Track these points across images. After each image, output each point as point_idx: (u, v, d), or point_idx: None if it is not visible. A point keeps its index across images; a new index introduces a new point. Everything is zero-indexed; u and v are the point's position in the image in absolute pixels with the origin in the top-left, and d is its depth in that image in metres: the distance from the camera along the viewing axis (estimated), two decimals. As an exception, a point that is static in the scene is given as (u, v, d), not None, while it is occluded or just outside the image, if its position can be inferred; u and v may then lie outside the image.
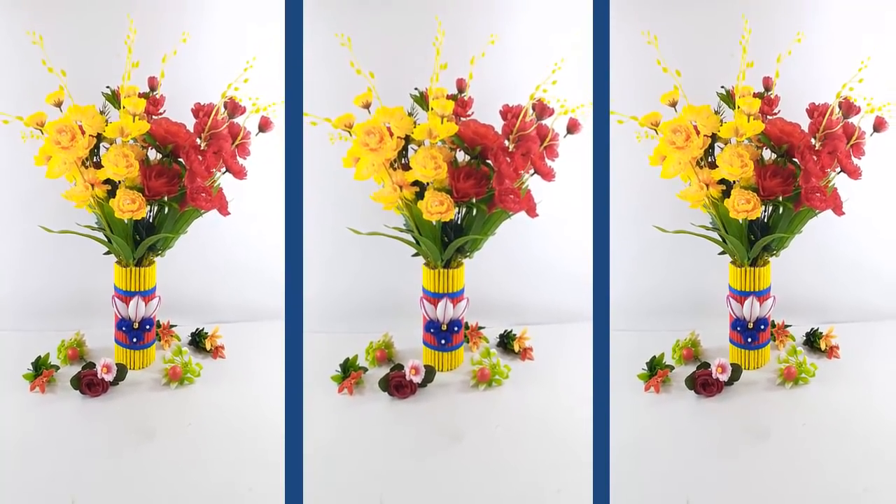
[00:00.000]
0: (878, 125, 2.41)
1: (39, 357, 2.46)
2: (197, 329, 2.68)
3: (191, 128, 2.44)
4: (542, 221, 2.48)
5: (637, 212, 2.63)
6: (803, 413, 2.32)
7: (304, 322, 2.35)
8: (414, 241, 2.50)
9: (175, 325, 2.70)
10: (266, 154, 2.50)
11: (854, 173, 2.40)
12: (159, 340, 2.64)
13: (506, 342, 2.67)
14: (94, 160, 2.44)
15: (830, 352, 2.62)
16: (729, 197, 2.40)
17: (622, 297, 2.58)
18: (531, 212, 2.44)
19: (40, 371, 2.44)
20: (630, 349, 2.49)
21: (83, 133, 2.39)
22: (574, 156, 2.47)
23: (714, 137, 2.43)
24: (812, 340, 2.66)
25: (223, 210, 2.48)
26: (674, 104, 2.44)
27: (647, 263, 2.73)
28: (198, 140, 2.42)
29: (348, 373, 2.45)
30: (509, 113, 2.42)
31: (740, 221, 2.45)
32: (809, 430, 2.25)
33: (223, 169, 2.45)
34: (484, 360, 2.48)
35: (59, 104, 2.43)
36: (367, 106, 2.42)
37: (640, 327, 2.67)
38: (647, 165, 2.45)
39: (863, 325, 2.79)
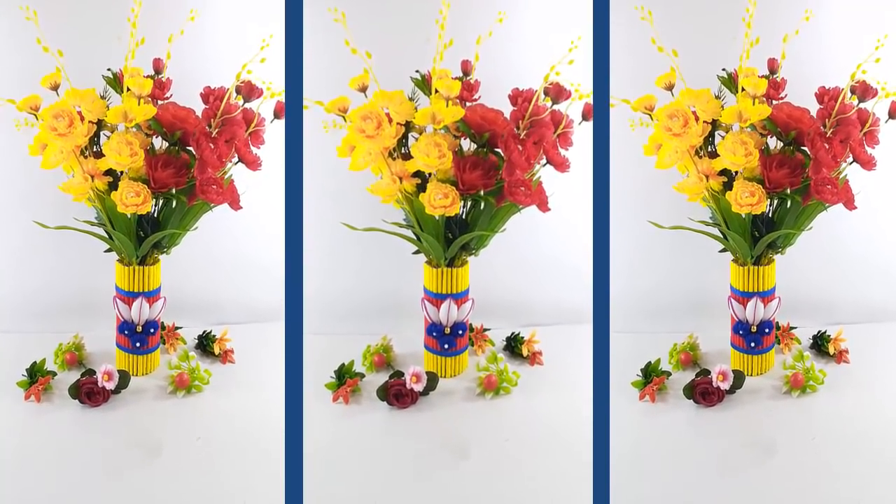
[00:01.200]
0: (894, 111, 2.38)
1: (35, 363, 2.41)
2: (204, 332, 2.64)
3: (200, 114, 2.40)
4: (553, 216, 2.45)
5: (632, 206, 2.60)
6: (812, 424, 2.28)
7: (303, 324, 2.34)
8: (415, 238, 2.46)
9: (181, 328, 2.67)
10: (268, 143, 2.48)
11: (868, 164, 2.37)
12: (164, 344, 2.60)
13: (513, 346, 2.63)
14: (95, 149, 2.39)
15: (840, 356, 2.58)
16: (731, 189, 2.37)
17: (618, 298, 2.54)
18: (543, 206, 2.40)
19: (36, 378, 2.39)
20: (625, 353, 2.46)
21: (82, 119, 2.33)
22: (585, 146, 2.42)
23: (714, 124, 2.39)
24: (820, 344, 2.62)
25: (235, 204, 2.43)
26: (670, 87, 2.39)
27: (643, 262, 2.70)
28: (208, 127, 2.37)
29: (343, 380, 2.41)
30: (520, 97, 2.37)
31: (743, 216, 2.41)
32: (819, 444, 2.21)
33: (235, 159, 2.41)
34: (490, 366, 2.43)
35: (55, 87, 2.38)
36: (363, 89, 2.37)
37: (636, 329, 2.65)
38: (641, 155, 2.42)
39: (874, 326, 2.76)
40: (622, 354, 2.42)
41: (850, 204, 2.37)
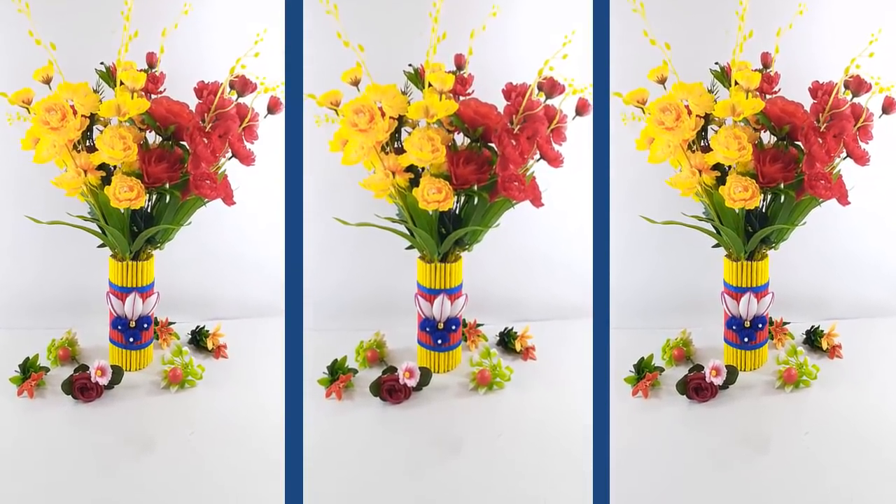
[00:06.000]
0: (888, 106, 2.37)
1: (28, 358, 2.41)
2: (197, 327, 2.64)
3: (193, 109, 2.39)
4: (547, 211, 2.44)
5: (624, 201, 2.57)
6: (805, 419, 2.29)
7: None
8: (408, 233, 2.46)
9: (174, 323, 2.66)
10: (262, 138, 2.47)
11: (861, 159, 2.36)
12: (157, 339, 2.60)
13: (506, 341, 2.63)
14: (87, 143, 2.38)
15: (833, 351, 2.58)
16: (724, 184, 2.36)
17: (612, 294, 2.53)
18: (536, 201, 2.39)
19: (28, 374, 2.39)
20: (619, 348, 2.42)
21: (75, 113, 2.32)
22: (579, 141, 2.43)
23: (707, 118, 2.38)
24: (813, 339, 2.62)
25: (228, 199, 2.42)
26: (663, 81, 2.38)
27: (636, 257, 2.69)
28: (202, 122, 2.36)
29: (336, 376, 2.40)
30: (513, 92, 2.36)
31: (736, 211, 2.41)
32: (812, 439, 2.21)
33: (228, 154, 2.40)
34: (484, 361, 2.44)
35: (47, 81, 2.36)
36: (356, 83, 2.36)
37: (628, 325, 2.62)
38: (633, 150, 2.41)
39: (867, 322, 2.75)
40: (616, 350, 2.38)
41: (843, 199, 2.37)
